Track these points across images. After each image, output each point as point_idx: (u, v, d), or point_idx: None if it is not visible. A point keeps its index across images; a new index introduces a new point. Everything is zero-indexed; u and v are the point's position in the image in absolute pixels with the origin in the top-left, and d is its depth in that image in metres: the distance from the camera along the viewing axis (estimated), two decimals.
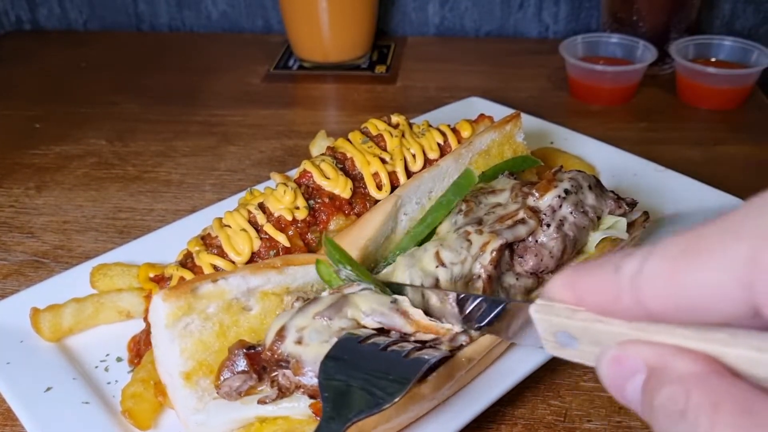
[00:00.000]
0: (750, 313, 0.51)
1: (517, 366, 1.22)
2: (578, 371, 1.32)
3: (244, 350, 1.08)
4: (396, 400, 0.90)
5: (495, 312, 0.97)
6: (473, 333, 1.09)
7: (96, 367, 1.33)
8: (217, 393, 1.09)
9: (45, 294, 1.42)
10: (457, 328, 1.09)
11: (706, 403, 0.51)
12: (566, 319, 0.64)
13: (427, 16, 3.00)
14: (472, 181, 1.38)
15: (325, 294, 1.13)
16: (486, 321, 1.00)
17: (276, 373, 1.05)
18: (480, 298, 1.03)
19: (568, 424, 1.23)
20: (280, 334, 1.05)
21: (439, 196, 1.39)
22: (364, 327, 1.07)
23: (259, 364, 1.07)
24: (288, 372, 1.03)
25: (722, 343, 0.54)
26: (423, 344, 1.05)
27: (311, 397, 1.02)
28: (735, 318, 0.52)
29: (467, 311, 1.06)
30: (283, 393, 1.04)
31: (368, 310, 1.07)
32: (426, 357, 0.98)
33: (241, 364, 1.07)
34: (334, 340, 1.03)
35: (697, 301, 0.53)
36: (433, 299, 1.12)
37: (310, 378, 1.01)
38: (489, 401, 1.16)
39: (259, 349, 1.08)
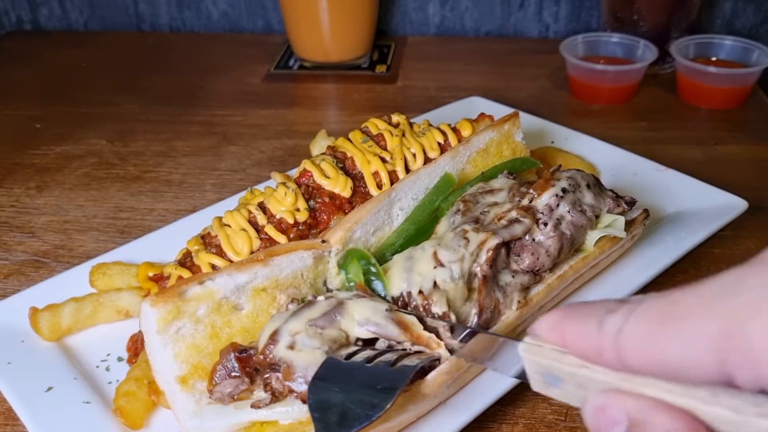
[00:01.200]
0: (724, 380, 0.54)
1: None
2: None
3: (236, 353, 1.08)
4: (386, 408, 0.92)
5: (485, 344, 0.97)
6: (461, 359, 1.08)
7: (97, 366, 1.32)
8: (210, 397, 1.09)
9: (46, 294, 1.42)
10: (446, 347, 1.09)
11: None
12: (554, 362, 0.66)
13: (427, 15, 3.00)
14: (452, 184, 1.42)
15: (321, 298, 1.12)
16: (479, 352, 0.99)
17: (269, 376, 1.05)
18: (472, 331, 1.03)
19: (569, 424, 1.23)
20: (273, 338, 1.05)
21: (422, 198, 1.40)
22: (356, 338, 1.07)
23: (252, 367, 1.07)
24: (281, 377, 1.03)
25: (702, 401, 0.56)
26: (409, 352, 1.06)
27: (304, 401, 1.02)
28: (710, 381, 0.55)
29: (459, 339, 1.08)
30: (276, 397, 1.04)
31: (362, 319, 1.07)
32: (411, 364, 1.00)
33: (233, 367, 1.07)
34: (326, 348, 1.03)
35: (674, 365, 0.56)
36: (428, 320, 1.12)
37: (301, 384, 1.01)
38: (490, 400, 1.16)
39: (252, 352, 1.07)
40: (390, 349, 1.06)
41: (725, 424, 0.55)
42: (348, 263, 1.23)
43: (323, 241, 1.26)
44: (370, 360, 1.01)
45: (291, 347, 1.03)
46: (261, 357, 1.05)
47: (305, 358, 1.02)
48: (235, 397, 1.08)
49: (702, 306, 0.55)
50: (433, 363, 1.07)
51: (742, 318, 0.52)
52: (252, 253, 1.31)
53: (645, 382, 0.59)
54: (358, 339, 1.08)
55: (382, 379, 0.97)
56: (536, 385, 0.71)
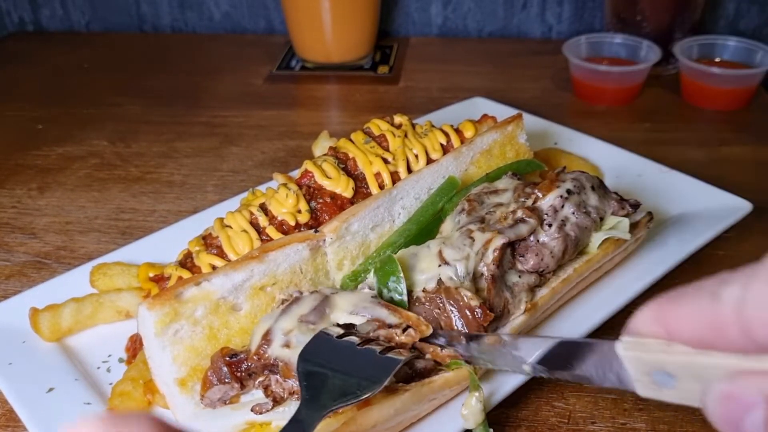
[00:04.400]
0: None
1: None
2: None
3: (225, 359, 1.07)
4: (376, 391, 0.94)
5: (571, 352, 0.85)
6: (544, 375, 0.96)
7: (98, 367, 1.32)
8: (202, 403, 1.09)
9: (47, 294, 1.41)
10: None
11: None
12: (662, 355, 0.59)
13: (429, 16, 3.00)
14: (455, 186, 1.42)
15: (306, 294, 1.12)
16: (565, 364, 0.87)
17: (268, 380, 1.04)
18: (555, 341, 0.91)
19: (572, 426, 1.22)
20: (266, 338, 1.05)
21: (425, 199, 1.40)
22: (346, 323, 1.08)
23: (244, 371, 1.07)
24: (280, 378, 1.03)
25: None
26: (394, 346, 1.06)
27: None
28: None
29: (539, 356, 0.94)
30: (277, 402, 1.04)
31: (351, 307, 1.08)
32: (398, 358, 1.01)
33: (224, 373, 1.07)
34: None
35: None
36: (485, 342, 1.07)
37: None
38: (492, 403, 1.16)
39: (242, 356, 1.07)
40: (375, 339, 1.06)
41: None
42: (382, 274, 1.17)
43: (316, 231, 1.26)
44: (359, 345, 1.02)
45: (287, 346, 1.03)
46: (255, 358, 1.04)
47: None
48: (227, 401, 1.08)
49: None
50: (419, 360, 1.08)
51: None
52: None
53: None
54: (347, 323, 1.08)
55: (371, 363, 0.98)
56: (644, 389, 0.63)
